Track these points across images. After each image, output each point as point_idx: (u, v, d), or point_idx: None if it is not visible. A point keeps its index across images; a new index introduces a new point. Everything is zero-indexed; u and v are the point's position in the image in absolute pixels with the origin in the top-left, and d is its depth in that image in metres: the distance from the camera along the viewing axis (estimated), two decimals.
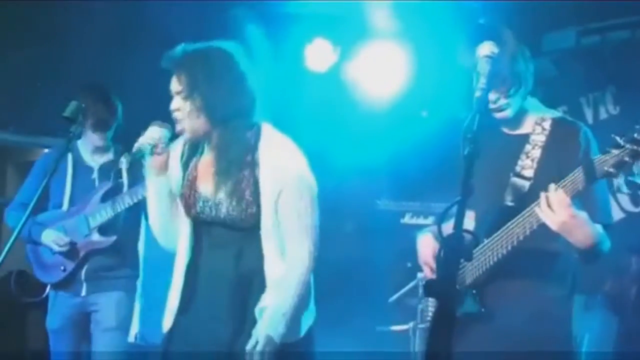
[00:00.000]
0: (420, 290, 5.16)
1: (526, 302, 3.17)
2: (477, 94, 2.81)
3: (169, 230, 3.36)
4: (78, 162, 4.72)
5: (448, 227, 2.69)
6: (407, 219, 6.12)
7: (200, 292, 3.26)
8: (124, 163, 3.24)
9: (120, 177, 4.50)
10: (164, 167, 3.29)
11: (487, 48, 2.91)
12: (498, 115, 3.20)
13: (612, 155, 2.81)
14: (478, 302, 3.19)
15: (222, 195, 3.19)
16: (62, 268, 4.62)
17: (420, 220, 5.97)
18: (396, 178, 6.62)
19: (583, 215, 2.96)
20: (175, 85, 3.18)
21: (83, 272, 4.61)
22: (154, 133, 3.26)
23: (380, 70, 6.19)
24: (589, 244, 3.01)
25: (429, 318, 3.73)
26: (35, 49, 5.85)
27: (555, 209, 2.91)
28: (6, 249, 3.37)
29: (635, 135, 2.76)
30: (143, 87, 4.76)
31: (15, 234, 3.45)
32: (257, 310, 3.17)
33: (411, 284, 5.32)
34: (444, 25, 5.52)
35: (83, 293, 4.62)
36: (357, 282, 6.34)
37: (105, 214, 4.57)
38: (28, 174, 4.82)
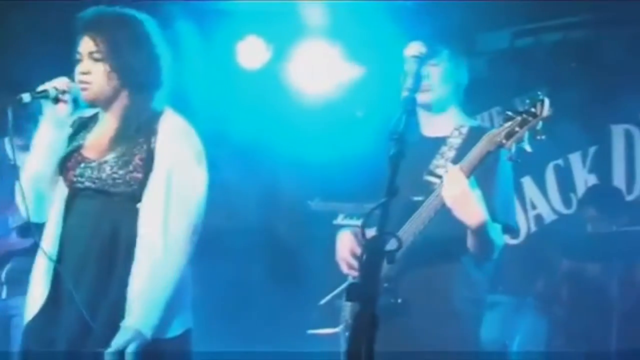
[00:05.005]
0: None
1: (433, 299, 3.26)
2: (404, 94, 2.80)
3: (45, 195, 3.21)
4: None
5: (371, 230, 2.64)
6: (340, 220, 6.06)
7: (68, 273, 3.07)
8: (25, 98, 3.06)
9: None
10: (64, 119, 3.17)
11: (414, 48, 2.93)
12: (420, 97, 3.16)
13: (503, 128, 2.96)
14: (391, 295, 3.23)
15: (110, 156, 3.11)
16: None
17: (353, 222, 5.91)
18: (329, 179, 6.57)
19: (476, 193, 3.07)
20: (88, 46, 3.12)
21: (4, 273, 4.48)
22: (62, 82, 3.13)
23: (315, 70, 6.12)
24: (475, 223, 3.09)
25: (345, 320, 3.71)
26: None
27: (450, 183, 3.05)
28: None
29: (525, 107, 2.91)
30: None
31: None
32: (127, 302, 3.00)
33: (343, 286, 5.25)
34: (378, 24, 5.50)
35: (3, 296, 4.50)
36: (287, 284, 6.27)
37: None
38: None
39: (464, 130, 3.40)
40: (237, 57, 6.07)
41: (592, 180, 6.08)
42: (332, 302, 5.46)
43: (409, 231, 3.20)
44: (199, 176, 3.16)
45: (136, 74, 3.14)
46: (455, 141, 3.37)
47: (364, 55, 6.08)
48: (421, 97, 3.26)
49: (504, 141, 2.95)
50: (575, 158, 6.16)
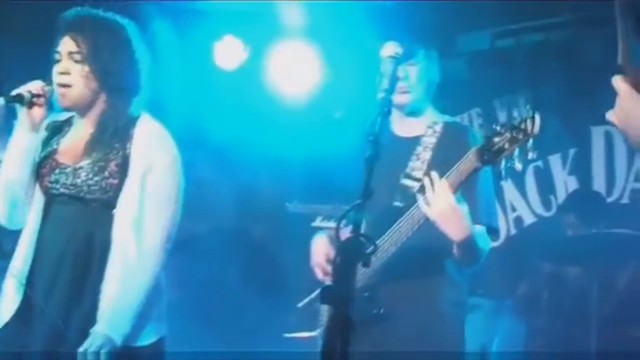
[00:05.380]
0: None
1: (417, 304, 3.22)
2: (380, 95, 2.78)
3: (19, 201, 3.16)
4: None
5: (346, 232, 2.60)
6: (318, 222, 6.00)
7: (42, 280, 3.05)
8: None
9: None
10: (39, 123, 3.15)
11: (390, 49, 2.90)
12: (397, 98, 3.10)
13: (492, 144, 2.84)
14: (370, 305, 3.19)
15: (85, 162, 3.08)
16: None
17: (332, 224, 5.85)
18: (308, 180, 6.53)
19: (463, 208, 3.01)
20: (68, 45, 3.09)
21: None
22: (37, 85, 3.11)
23: (292, 70, 6.06)
24: (462, 237, 3.04)
25: (322, 324, 3.67)
26: None
27: (435, 198, 2.98)
28: None
29: (514, 122, 2.80)
30: None
31: None
32: (100, 308, 2.98)
33: (320, 289, 5.20)
34: (357, 24, 5.45)
35: None
36: (265, 286, 6.22)
37: None
38: None
39: (438, 127, 3.36)
40: (214, 57, 6.01)
41: (572, 182, 6.05)
42: (310, 305, 5.42)
43: (389, 240, 3.15)
44: (174, 182, 3.14)
45: (115, 78, 3.12)
46: (430, 140, 3.33)
47: (342, 56, 6.03)
48: (400, 99, 3.22)
49: (493, 158, 2.86)
50: (555, 160, 6.13)
